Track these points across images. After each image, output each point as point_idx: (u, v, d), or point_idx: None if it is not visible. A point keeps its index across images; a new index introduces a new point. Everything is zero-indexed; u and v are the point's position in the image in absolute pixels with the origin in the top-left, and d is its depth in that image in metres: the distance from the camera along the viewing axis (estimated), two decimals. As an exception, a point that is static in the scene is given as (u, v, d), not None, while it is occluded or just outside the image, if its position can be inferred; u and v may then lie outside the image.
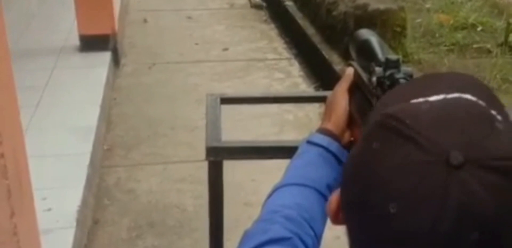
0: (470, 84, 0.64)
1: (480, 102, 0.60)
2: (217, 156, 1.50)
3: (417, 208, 0.55)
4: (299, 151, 1.01)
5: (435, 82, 0.65)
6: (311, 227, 0.87)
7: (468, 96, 0.60)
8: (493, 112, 0.60)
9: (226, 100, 1.74)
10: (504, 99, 2.67)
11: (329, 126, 0.99)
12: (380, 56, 0.90)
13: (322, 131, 0.99)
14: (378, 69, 0.84)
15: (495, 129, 0.57)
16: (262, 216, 0.92)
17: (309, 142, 0.99)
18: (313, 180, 0.93)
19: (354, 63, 1.00)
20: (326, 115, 1.02)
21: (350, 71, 1.01)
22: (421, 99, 0.60)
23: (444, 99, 0.60)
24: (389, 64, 0.84)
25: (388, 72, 0.83)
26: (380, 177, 0.57)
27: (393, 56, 0.85)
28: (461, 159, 0.54)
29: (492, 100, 0.63)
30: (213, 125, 1.57)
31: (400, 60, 0.84)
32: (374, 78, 0.85)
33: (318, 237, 0.88)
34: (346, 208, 0.64)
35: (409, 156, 0.56)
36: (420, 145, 0.56)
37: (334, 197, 0.70)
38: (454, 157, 0.54)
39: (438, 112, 0.58)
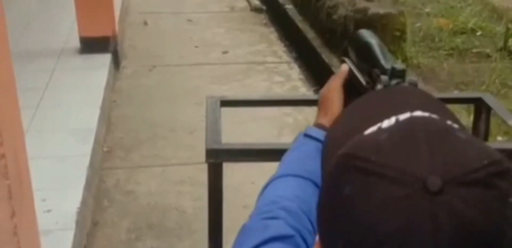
0: (415, 98, 0.63)
1: (433, 116, 0.59)
2: (217, 158, 1.50)
3: (410, 245, 0.53)
4: (295, 144, 1.01)
5: (380, 105, 0.64)
6: (310, 221, 0.85)
7: (419, 113, 0.59)
8: (449, 122, 0.59)
9: (226, 103, 1.74)
10: (503, 103, 2.68)
11: (325, 121, 1.00)
12: (383, 62, 0.89)
13: (319, 125, 1.00)
14: (384, 78, 0.84)
15: (459, 140, 0.57)
16: (260, 207, 0.90)
17: (306, 135, 1.00)
18: (310, 172, 0.93)
19: (348, 61, 1.00)
20: (321, 111, 1.03)
21: (344, 67, 1.01)
22: (374, 128, 0.59)
23: (398, 123, 0.58)
24: (395, 73, 0.83)
25: (394, 81, 0.83)
26: (364, 224, 0.54)
27: (399, 66, 0.84)
28: (439, 182, 0.53)
29: (441, 109, 0.62)
30: (213, 127, 1.58)
31: (406, 70, 0.84)
32: (379, 86, 0.84)
33: (315, 233, 0.88)
34: None
35: (387, 193, 0.54)
36: (394, 179, 0.54)
37: None
38: (432, 182, 0.53)
39: (398, 140, 0.57)
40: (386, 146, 0.57)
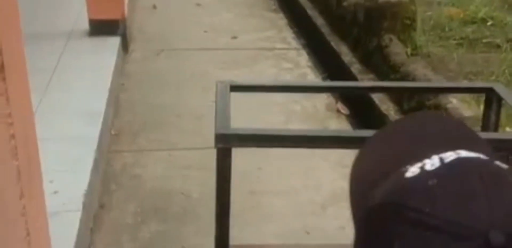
0: (454, 132, 0.60)
1: (481, 157, 0.56)
2: (226, 143, 1.50)
3: None
4: None
5: (415, 138, 0.60)
6: None
7: (465, 153, 0.55)
8: (498, 163, 0.56)
9: (235, 88, 1.74)
10: (513, 94, 2.66)
11: None
12: None
13: None
14: None
15: (510, 184, 0.54)
16: None
17: None
18: None
19: None
20: None
21: None
22: (416, 170, 0.54)
23: (445, 166, 0.54)
24: None
25: None
26: None
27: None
28: (502, 237, 0.49)
29: (483, 145, 0.59)
30: (222, 112, 1.57)
31: None
32: None
33: None
34: None
35: None
36: (454, 234, 0.50)
37: None
38: (495, 237, 0.49)
39: (452, 188, 0.52)
40: (439, 195, 0.52)
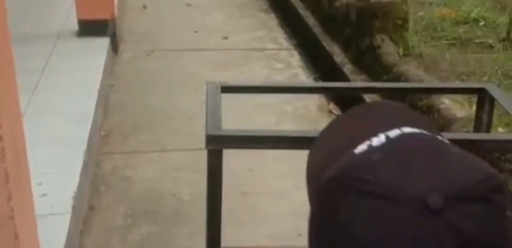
0: (399, 114, 0.62)
1: (424, 132, 0.59)
2: (217, 144, 1.47)
3: None
4: None
5: (363, 122, 0.62)
6: None
7: (409, 129, 0.58)
8: (440, 138, 0.59)
9: (226, 89, 1.71)
10: (506, 95, 2.65)
11: None
12: None
13: None
14: None
15: (454, 156, 0.57)
16: None
17: None
18: None
19: None
20: None
21: None
22: (364, 147, 0.57)
23: (390, 141, 0.57)
24: None
25: None
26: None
27: None
28: (440, 200, 0.52)
29: (427, 124, 0.62)
30: (213, 113, 1.54)
31: None
32: None
33: None
34: None
35: (387, 215, 0.52)
36: (394, 199, 0.52)
37: None
38: (433, 200, 0.52)
39: (394, 158, 0.55)
40: (382, 165, 0.55)
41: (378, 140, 0.57)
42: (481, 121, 1.91)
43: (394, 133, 0.58)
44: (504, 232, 0.54)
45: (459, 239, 0.52)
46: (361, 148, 0.57)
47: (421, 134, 0.59)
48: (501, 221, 0.54)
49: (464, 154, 0.58)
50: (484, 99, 1.89)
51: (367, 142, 0.57)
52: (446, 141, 0.59)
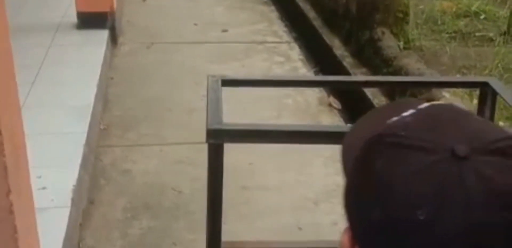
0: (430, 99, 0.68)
1: (451, 104, 0.66)
2: (218, 139, 1.46)
3: (444, 206, 0.56)
4: None
5: (395, 106, 0.68)
6: None
7: (437, 102, 0.66)
8: (469, 110, 0.66)
9: (227, 82, 1.70)
10: (509, 89, 2.64)
11: None
12: None
13: None
14: None
15: (479, 120, 0.64)
16: None
17: None
18: None
19: None
20: None
21: None
22: (396, 118, 0.63)
23: (420, 110, 0.64)
24: None
25: None
26: (398, 191, 0.58)
27: None
28: (466, 149, 0.57)
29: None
30: (214, 106, 1.53)
31: None
32: None
33: None
34: (366, 237, 0.62)
35: (418, 161, 0.58)
36: (424, 148, 0.58)
37: (345, 237, 0.66)
38: (459, 149, 0.57)
39: (424, 119, 0.62)
40: (412, 124, 0.61)
41: (409, 112, 0.63)
42: (484, 115, 1.89)
43: (424, 105, 0.65)
44: None
45: (484, 186, 0.56)
46: (394, 119, 0.63)
47: (450, 104, 0.66)
48: None
49: (488, 121, 0.67)
50: (486, 93, 1.88)
51: (401, 114, 0.63)
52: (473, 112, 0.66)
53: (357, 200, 0.63)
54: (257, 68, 4.57)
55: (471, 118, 0.63)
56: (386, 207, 0.58)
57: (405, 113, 0.63)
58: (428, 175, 0.57)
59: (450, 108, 0.64)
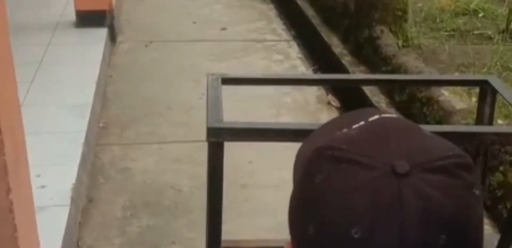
0: (385, 110, 0.66)
1: (401, 117, 0.64)
2: (218, 137, 1.45)
3: (379, 224, 0.54)
4: None
5: (351, 116, 0.66)
6: None
7: (388, 115, 0.63)
8: (416, 124, 0.64)
9: (227, 81, 1.69)
10: (509, 87, 2.64)
11: None
12: None
13: None
14: None
15: (425, 135, 0.61)
16: None
17: None
18: None
19: None
20: None
21: None
22: (345, 130, 0.61)
23: (368, 122, 0.61)
24: None
25: None
26: (334, 207, 0.56)
27: None
28: (407, 166, 0.55)
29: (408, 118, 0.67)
30: (214, 105, 1.53)
31: None
32: None
33: None
34: None
35: (356, 177, 0.56)
36: (363, 164, 0.56)
37: None
38: (400, 165, 0.55)
39: (369, 133, 0.60)
40: (356, 138, 0.59)
41: (359, 124, 0.61)
42: (483, 114, 1.89)
43: (374, 117, 0.62)
44: (471, 207, 0.56)
45: (422, 204, 0.54)
46: (343, 130, 0.61)
47: (398, 117, 0.64)
48: (467, 197, 0.56)
49: (438, 137, 0.61)
50: (486, 91, 1.88)
51: (350, 126, 0.62)
52: (422, 127, 0.63)
53: (296, 213, 0.62)
54: (255, 67, 4.57)
55: (418, 134, 0.60)
56: (321, 223, 0.57)
57: (355, 125, 0.61)
58: (365, 191, 0.55)
59: (398, 122, 0.62)
